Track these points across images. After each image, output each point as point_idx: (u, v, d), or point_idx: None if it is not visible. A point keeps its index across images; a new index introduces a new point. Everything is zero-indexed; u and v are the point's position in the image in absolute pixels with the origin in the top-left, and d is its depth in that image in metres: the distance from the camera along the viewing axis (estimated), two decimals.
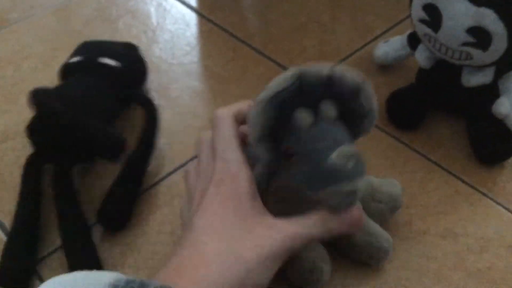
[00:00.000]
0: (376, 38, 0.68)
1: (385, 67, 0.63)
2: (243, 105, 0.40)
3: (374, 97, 0.38)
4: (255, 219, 0.36)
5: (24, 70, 0.65)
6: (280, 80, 0.36)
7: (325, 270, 0.43)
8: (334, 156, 0.35)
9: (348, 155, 0.35)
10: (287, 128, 0.37)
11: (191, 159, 0.55)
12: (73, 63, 0.55)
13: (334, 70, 0.37)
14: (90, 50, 0.57)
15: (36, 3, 0.74)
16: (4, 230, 0.49)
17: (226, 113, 0.39)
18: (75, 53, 0.57)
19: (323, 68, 0.37)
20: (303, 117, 0.37)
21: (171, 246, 0.48)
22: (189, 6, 0.73)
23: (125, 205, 0.49)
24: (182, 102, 0.60)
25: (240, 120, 0.40)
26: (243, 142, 0.39)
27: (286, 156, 0.38)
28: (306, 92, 0.37)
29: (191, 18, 0.72)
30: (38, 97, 0.49)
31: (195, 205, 0.37)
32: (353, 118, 0.39)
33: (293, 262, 0.43)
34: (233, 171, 0.37)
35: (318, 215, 0.37)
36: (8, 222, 0.49)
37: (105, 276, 0.30)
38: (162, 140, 0.55)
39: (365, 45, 0.67)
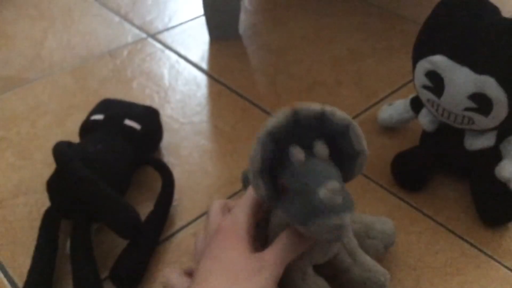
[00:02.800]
0: (379, 101, 0.70)
1: (390, 129, 0.64)
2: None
3: (364, 139, 0.41)
4: (250, 255, 0.39)
5: (39, 126, 0.67)
6: (277, 118, 0.39)
7: None
8: (323, 191, 0.37)
9: (336, 190, 0.37)
10: (283, 163, 0.40)
11: (200, 216, 0.56)
12: (97, 120, 0.57)
13: (325, 107, 0.39)
14: (113, 109, 0.59)
15: (54, 63, 0.77)
16: (13, 285, 0.49)
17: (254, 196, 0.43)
18: (96, 110, 0.59)
19: (315, 105, 0.39)
20: (296, 153, 0.39)
21: None
22: (200, 68, 0.76)
23: (139, 267, 0.49)
24: (192, 160, 0.62)
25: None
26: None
27: (282, 191, 0.40)
28: (301, 129, 0.40)
29: (202, 79, 0.74)
30: (61, 154, 0.50)
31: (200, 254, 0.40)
32: (344, 159, 0.41)
33: None
34: (234, 218, 0.41)
35: (288, 236, 0.40)
36: (18, 276, 0.49)
37: None
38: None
39: (369, 107, 0.69)
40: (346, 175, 0.42)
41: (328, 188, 0.37)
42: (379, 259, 0.48)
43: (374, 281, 0.45)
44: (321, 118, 0.39)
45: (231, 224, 0.40)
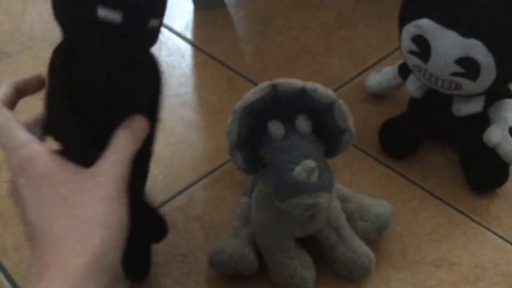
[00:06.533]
0: (368, 68, 0.69)
1: (378, 97, 0.63)
2: (6, 88, 0.40)
3: (350, 115, 0.40)
4: (77, 179, 0.35)
5: (21, 101, 0.65)
6: (254, 92, 0.38)
7: (306, 276, 0.44)
8: (297, 169, 0.37)
9: (311, 169, 0.37)
10: (263, 137, 0.39)
11: (186, 189, 0.55)
12: None
13: (307, 83, 0.38)
14: None
15: (35, 36, 0.75)
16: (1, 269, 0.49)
17: None
18: None
19: (296, 81, 0.39)
20: (275, 129, 0.39)
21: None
22: (184, 38, 0.75)
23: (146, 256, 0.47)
24: (177, 132, 0.61)
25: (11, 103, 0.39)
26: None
27: (262, 165, 0.40)
28: (282, 105, 0.39)
29: (186, 50, 0.73)
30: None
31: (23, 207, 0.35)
32: (329, 135, 0.40)
33: (277, 267, 0.44)
34: (27, 154, 0.35)
35: (121, 139, 0.37)
36: (6, 259, 0.49)
37: None
38: (157, 170, 0.56)
39: (358, 75, 0.68)
40: (331, 151, 0.41)
41: (303, 167, 0.37)
42: (370, 242, 0.46)
43: (358, 263, 0.45)
44: (302, 95, 0.38)
45: (28, 162, 0.35)
